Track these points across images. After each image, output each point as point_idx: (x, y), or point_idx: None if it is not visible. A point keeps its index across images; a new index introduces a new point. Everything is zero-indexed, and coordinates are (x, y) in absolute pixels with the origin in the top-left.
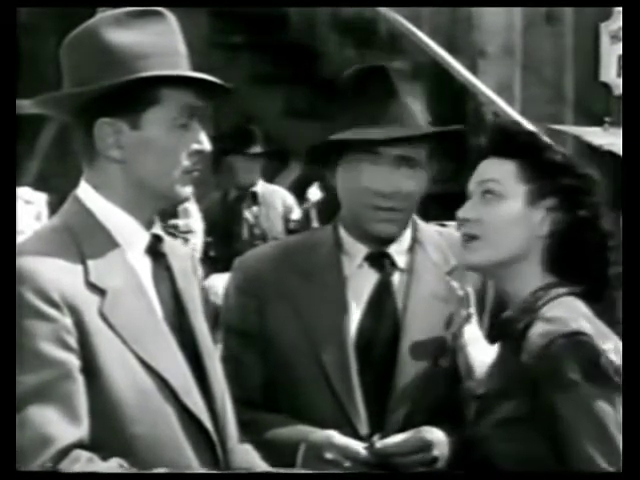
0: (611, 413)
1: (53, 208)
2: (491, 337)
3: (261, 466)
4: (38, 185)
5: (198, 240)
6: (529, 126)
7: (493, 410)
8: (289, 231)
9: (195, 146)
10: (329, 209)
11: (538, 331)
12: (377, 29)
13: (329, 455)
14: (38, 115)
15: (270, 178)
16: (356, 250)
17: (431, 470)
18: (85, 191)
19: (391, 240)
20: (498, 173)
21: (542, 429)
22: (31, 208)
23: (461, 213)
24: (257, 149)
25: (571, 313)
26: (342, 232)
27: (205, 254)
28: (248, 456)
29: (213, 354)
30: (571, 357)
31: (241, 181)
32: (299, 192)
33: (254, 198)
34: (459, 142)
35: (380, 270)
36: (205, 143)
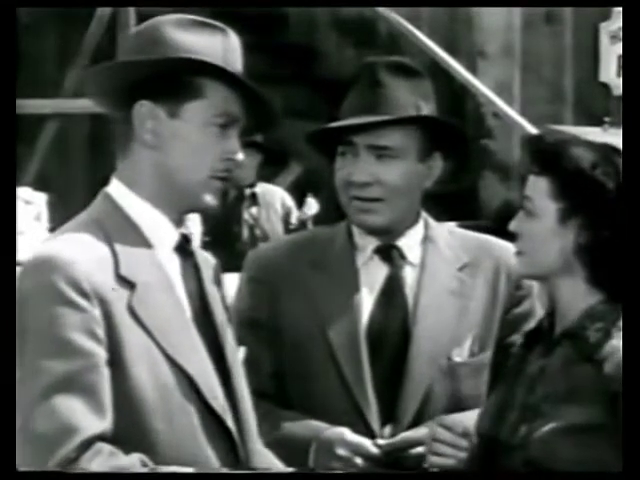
0: None
1: (53, 208)
2: (548, 341)
3: (280, 469)
4: (38, 185)
5: (195, 242)
6: (558, 137)
7: (552, 415)
8: (289, 233)
9: (228, 154)
10: (327, 219)
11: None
12: (377, 29)
13: (341, 451)
14: (39, 115)
15: (269, 179)
16: (366, 243)
17: (430, 470)
18: (117, 188)
19: (382, 231)
20: (532, 190)
21: (615, 437)
22: (31, 208)
23: (510, 225)
24: (251, 139)
25: None
26: (352, 226)
27: None
28: (268, 460)
29: (236, 356)
30: None
31: (238, 177)
32: (298, 193)
33: (254, 199)
34: (453, 136)
35: (390, 263)
36: (239, 154)
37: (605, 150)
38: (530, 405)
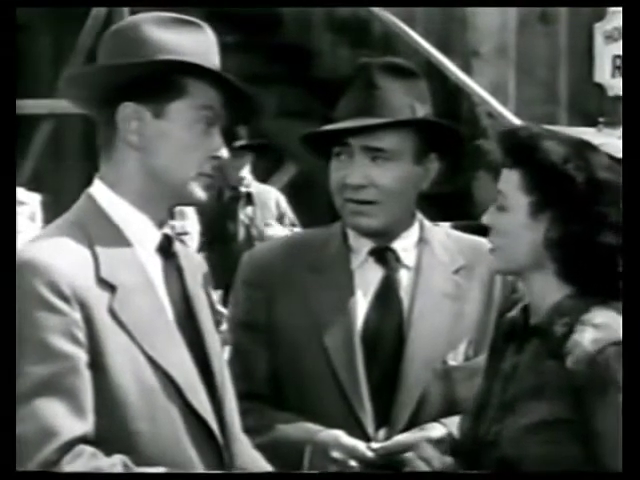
0: None
1: (47, 208)
2: (515, 336)
3: (261, 462)
4: (32, 185)
5: (194, 242)
6: (531, 131)
7: (523, 412)
8: None
9: (214, 152)
10: (321, 220)
11: (588, 337)
12: (371, 29)
13: (336, 454)
14: (33, 115)
15: (264, 179)
16: (360, 245)
17: (430, 470)
18: (98, 189)
19: (377, 234)
20: (504, 185)
21: (580, 432)
22: (25, 209)
23: (482, 219)
24: (241, 142)
25: (618, 320)
26: (347, 227)
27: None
28: (256, 462)
29: (221, 357)
30: (620, 366)
31: (230, 178)
32: (293, 193)
33: (249, 199)
34: (449, 137)
35: (385, 265)
36: (223, 152)
37: (578, 145)
38: (504, 403)
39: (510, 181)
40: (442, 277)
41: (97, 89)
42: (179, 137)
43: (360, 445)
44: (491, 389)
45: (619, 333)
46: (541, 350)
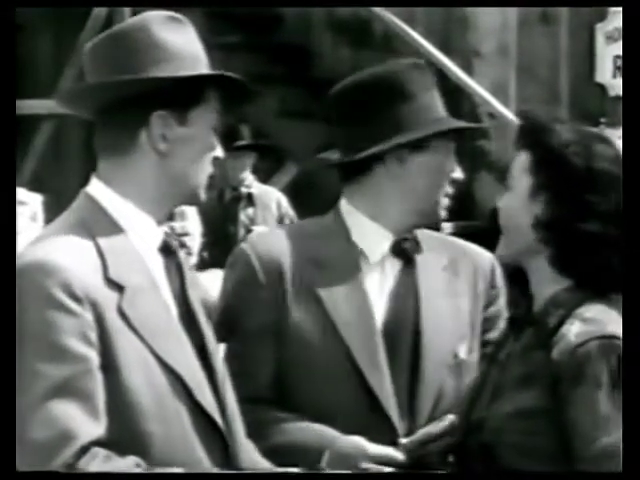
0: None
1: (48, 209)
2: (517, 325)
3: (264, 464)
4: (33, 186)
5: (195, 243)
6: (546, 115)
7: (510, 398)
8: None
9: (216, 153)
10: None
11: (575, 330)
12: (372, 29)
13: (365, 464)
14: (33, 115)
15: (265, 179)
16: (376, 239)
17: (431, 470)
18: (97, 188)
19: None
20: (514, 166)
21: (556, 423)
22: (26, 209)
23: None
24: (243, 143)
25: (610, 315)
26: (362, 220)
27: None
28: (251, 454)
29: (219, 354)
30: (602, 360)
31: (231, 178)
32: (294, 193)
33: (250, 199)
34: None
35: (405, 256)
36: (220, 151)
37: (586, 134)
38: (495, 390)
39: (519, 162)
40: (434, 274)
41: (119, 98)
42: (199, 142)
43: (389, 450)
44: (487, 376)
45: (608, 328)
46: (533, 340)
